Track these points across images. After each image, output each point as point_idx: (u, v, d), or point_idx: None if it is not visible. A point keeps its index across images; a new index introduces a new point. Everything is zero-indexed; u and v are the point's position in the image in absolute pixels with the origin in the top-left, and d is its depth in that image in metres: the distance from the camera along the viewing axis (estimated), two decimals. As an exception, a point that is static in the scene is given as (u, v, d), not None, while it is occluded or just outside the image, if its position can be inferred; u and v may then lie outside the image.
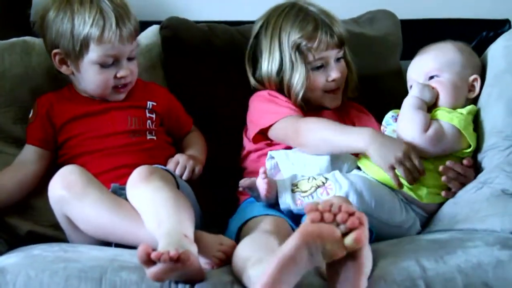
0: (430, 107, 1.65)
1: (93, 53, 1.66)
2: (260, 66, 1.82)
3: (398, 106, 1.68)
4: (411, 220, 1.59)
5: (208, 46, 1.95)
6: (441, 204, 1.62)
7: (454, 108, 1.65)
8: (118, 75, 1.69)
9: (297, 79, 1.76)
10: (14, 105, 1.76)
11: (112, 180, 1.60)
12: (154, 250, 1.24)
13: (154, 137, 1.73)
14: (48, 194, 1.53)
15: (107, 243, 1.51)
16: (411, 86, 1.69)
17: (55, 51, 1.70)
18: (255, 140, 1.77)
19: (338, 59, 1.81)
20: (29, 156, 1.70)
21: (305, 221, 1.19)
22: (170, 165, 1.67)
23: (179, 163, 1.67)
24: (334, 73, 1.79)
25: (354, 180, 1.56)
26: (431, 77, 1.68)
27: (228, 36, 1.98)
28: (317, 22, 1.78)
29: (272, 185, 1.57)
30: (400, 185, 1.55)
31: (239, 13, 2.10)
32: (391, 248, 1.41)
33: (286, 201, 1.56)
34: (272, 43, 1.79)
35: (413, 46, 1.79)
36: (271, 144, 1.76)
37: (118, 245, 1.49)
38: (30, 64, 1.79)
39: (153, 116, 1.76)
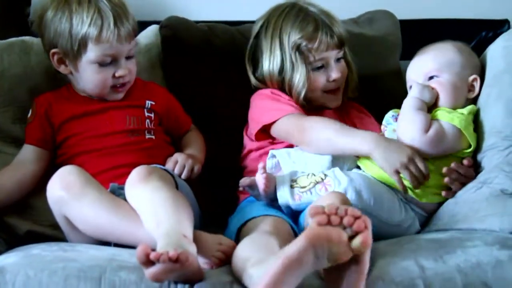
0: (430, 107, 1.65)
1: (91, 53, 1.66)
2: (261, 66, 1.82)
3: (397, 106, 1.68)
4: (410, 220, 1.59)
5: (207, 46, 1.95)
6: (440, 204, 1.62)
7: (454, 108, 1.65)
8: (117, 74, 1.69)
9: (298, 79, 1.76)
10: (13, 105, 1.76)
11: (110, 179, 1.60)
12: (153, 250, 1.24)
13: (153, 137, 1.73)
14: (46, 194, 1.52)
15: (106, 243, 1.50)
16: (410, 87, 1.69)
17: (53, 50, 1.70)
18: (258, 138, 1.76)
19: (338, 59, 1.82)
20: (28, 155, 1.70)
21: (312, 223, 1.18)
22: (169, 164, 1.67)
23: (178, 162, 1.67)
24: (335, 74, 1.79)
25: (354, 177, 1.56)
26: (431, 78, 1.68)
27: (228, 36, 1.98)
28: (317, 23, 1.78)
29: (271, 180, 1.57)
30: (405, 189, 1.56)
31: (238, 13, 2.10)
32: (390, 247, 1.41)
33: (284, 195, 1.56)
34: (273, 43, 1.79)
35: (412, 46, 1.79)
36: (273, 142, 1.76)
37: (117, 245, 1.49)
38: (28, 63, 1.79)
39: (152, 115, 1.76)
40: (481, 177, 1.58)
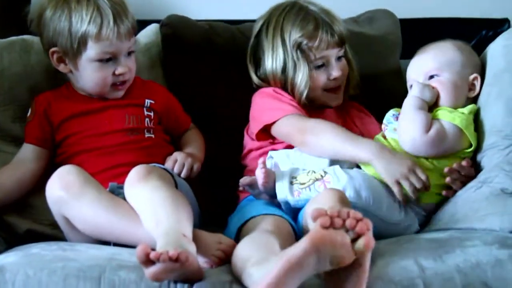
0: (431, 106, 1.65)
1: (91, 51, 1.66)
2: (263, 64, 1.82)
3: (398, 105, 1.68)
4: (409, 219, 1.59)
5: (208, 45, 1.95)
6: (440, 203, 1.61)
7: (455, 107, 1.65)
8: (117, 72, 1.69)
9: (301, 78, 1.76)
10: (13, 104, 1.76)
11: (110, 178, 1.60)
12: (152, 250, 1.24)
13: (152, 135, 1.73)
14: (46, 194, 1.52)
15: (105, 243, 1.50)
16: (411, 86, 1.69)
17: (52, 49, 1.70)
18: (258, 137, 1.76)
19: (339, 58, 1.81)
20: (28, 154, 1.70)
21: (315, 226, 1.18)
22: (168, 163, 1.67)
23: (177, 161, 1.67)
24: (335, 72, 1.79)
25: (353, 175, 1.55)
26: (431, 77, 1.68)
27: (229, 34, 1.98)
28: (317, 21, 1.78)
29: (270, 175, 1.57)
30: (405, 201, 1.56)
31: (238, 12, 2.10)
32: (389, 247, 1.41)
33: (283, 190, 1.56)
34: (275, 42, 1.79)
35: (412, 46, 1.79)
36: (273, 142, 1.76)
37: (117, 244, 1.49)
38: (29, 62, 1.79)
39: (151, 114, 1.75)
40: (481, 176, 1.58)
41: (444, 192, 1.60)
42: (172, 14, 1.99)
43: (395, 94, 1.78)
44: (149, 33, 1.95)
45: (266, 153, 1.72)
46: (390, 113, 1.72)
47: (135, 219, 1.44)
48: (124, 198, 1.49)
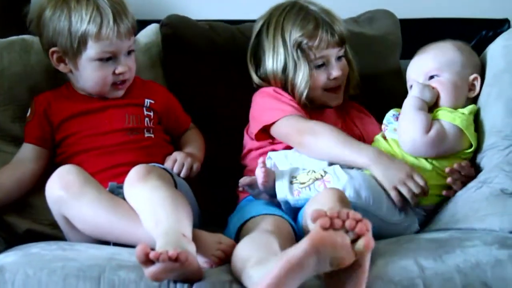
0: (431, 107, 1.65)
1: (91, 50, 1.66)
2: (263, 64, 1.82)
3: (398, 105, 1.68)
4: (409, 219, 1.59)
5: (208, 45, 1.95)
6: (440, 203, 1.61)
7: (455, 107, 1.65)
8: (117, 71, 1.69)
9: (301, 77, 1.76)
10: (13, 104, 1.76)
11: (110, 178, 1.60)
12: (152, 249, 1.24)
13: (152, 135, 1.73)
14: (45, 194, 1.52)
15: (105, 242, 1.50)
16: (411, 86, 1.69)
17: (52, 49, 1.69)
18: (258, 137, 1.76)
19: (339, 58, 1.82)
20: (27, 154, 1.70)
21: (315, 227, 1.18)
22: (168, 163, 1.66)
23: (177, 160, 1.67)
24: (335, 72, 1.79)
25: (353, 175, 1.55)
26: (431, 77, 1.68)
27: (229, 34, 1.98)
28: (317, 21, 1.78)
29: (270, 174, 1.57)
30: (403, 207, 1.56)
31: (238, 12, 2.10)
32: (389, 247, 1.41)
33: (283, 190, 1.56)
34: (276, 42, 1.79)
35: (412, 46, 1.79)
36: (273, 142, 1.76)
37: (116, 244, 1.49)
38: (29, 62, 1.79)
39: (151, 114, 1.75)
40: (481, 176, 1.58)
41: (444, 192, 1.60)
42: (172, 14, 1.99)
43: (395, 94, 1.78)
44: (149, 33, 1.95)
45: (265, 153, 1.72)
46: (390, 113, 1.72)
47: (135, 219, 1.44)
48: (124, 198, 1.49)
